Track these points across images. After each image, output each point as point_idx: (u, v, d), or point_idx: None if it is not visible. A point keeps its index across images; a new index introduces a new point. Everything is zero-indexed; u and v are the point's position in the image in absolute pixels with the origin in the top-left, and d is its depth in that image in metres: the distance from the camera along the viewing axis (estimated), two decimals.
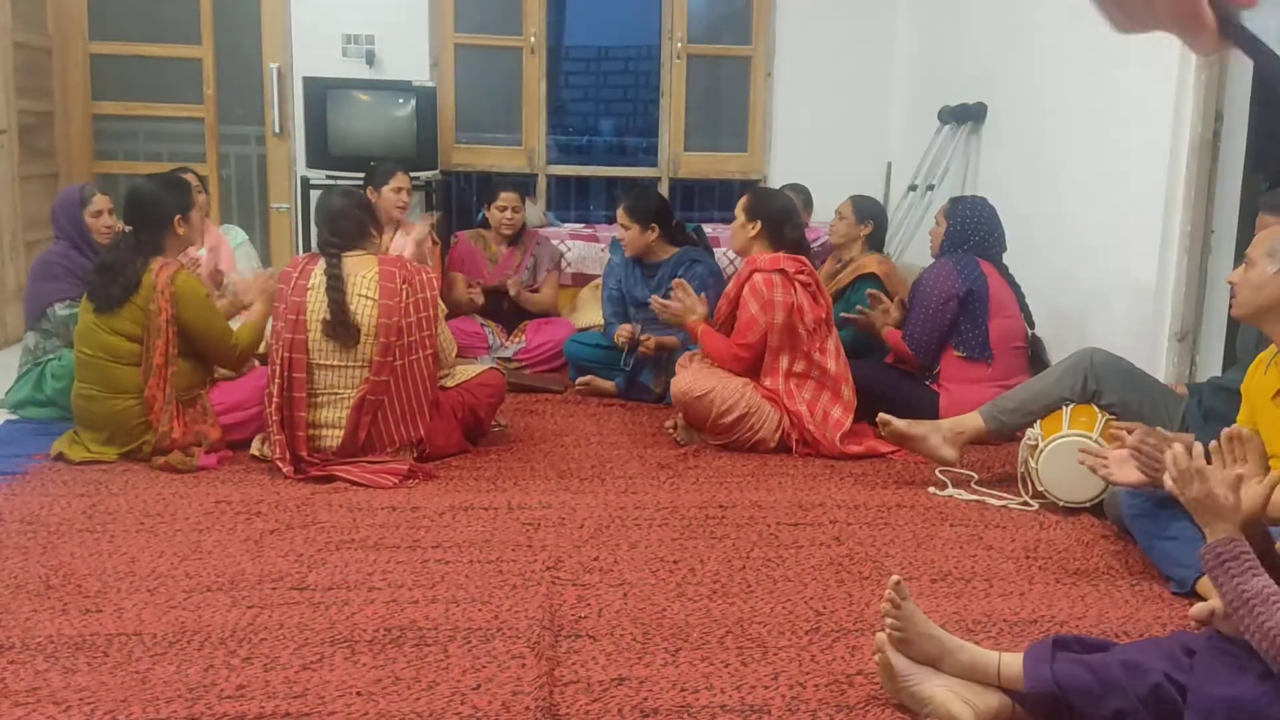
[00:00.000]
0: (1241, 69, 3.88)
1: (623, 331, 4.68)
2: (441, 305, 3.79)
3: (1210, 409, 3.20)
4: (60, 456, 3.69)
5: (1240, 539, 1.95)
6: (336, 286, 3.58)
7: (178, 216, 3.75)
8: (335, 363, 3.61)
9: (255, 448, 3.76)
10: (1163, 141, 3.97)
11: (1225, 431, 2.07)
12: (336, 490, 3.46)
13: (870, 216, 4.84)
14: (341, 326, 3.57)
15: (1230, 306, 2.87)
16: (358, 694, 2.18)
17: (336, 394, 3.62)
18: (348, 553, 2.94)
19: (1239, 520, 1.98)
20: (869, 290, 4.51)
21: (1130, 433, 2.81)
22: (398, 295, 3.61)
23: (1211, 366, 3.97)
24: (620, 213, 4.69)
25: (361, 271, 3.64)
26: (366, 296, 3.61)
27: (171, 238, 3.76)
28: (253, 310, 3.98)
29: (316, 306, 3.58)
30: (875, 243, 4.85)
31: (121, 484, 3.48)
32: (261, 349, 4.00)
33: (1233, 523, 1.97)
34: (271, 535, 3.06)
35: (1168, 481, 2.65)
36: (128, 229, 3.78)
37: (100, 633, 2.43)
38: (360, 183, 5.11)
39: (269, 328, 3.88)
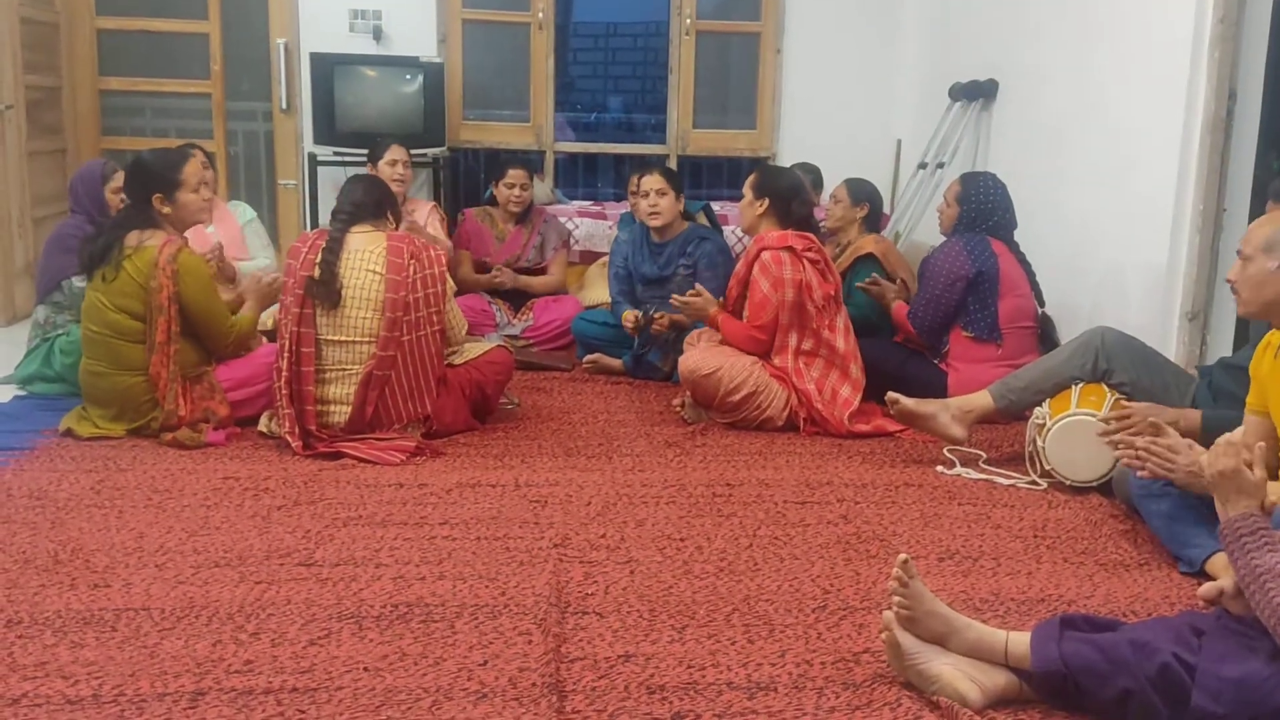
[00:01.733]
0: (1257, 45, 3.84)
1: (628, 318, 4.66)
2: (451, 283, 3.79)
3: (1221, 388, 3.18)
4: (69, 432, 3.69)
5: (1260, 515, 1.95)
6: (333, 249, 3.59)
7: (157, 195, 3.71)
8: (343, 338, 3.61)
9: (263, 424, 3.76)
10: (1175, 120, 3.93)
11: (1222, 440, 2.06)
12: (344, 467, 3.46)
13: (865, 198, 4.83)
14: (323, 286, 3.56)
15: (1236, 301, 2.74)
16: (365, 669, 2.18)
17: (345, 369, 3.62)
18: (355, 529, 2.95)
19: (1261, 496, 1.98)
20: (872, 275, 4.49)
21: (1131, 415, 2.79)
22: (405, 270, 3.61)
23: (1222, 346, 3.95)
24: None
25: (370, 247, 3.64)
26: (374, 271, 3.60)
27: (158, 214, 3.73)
28: (247, 306, 3.97)
29: None
30: (872, 224, 4.85)
31: (130, 460, 3.48)
32: (270, 324, 4.00)
33: (1257, 499, 1.97)
34: (279, 511, 3.06)
35: (1179, 478, 2.66)
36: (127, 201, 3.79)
37: (108, 607, 2.43)
38: (365, 159, 5.12)
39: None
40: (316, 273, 3.57)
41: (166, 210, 3.73)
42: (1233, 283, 2.68)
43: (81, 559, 2.69)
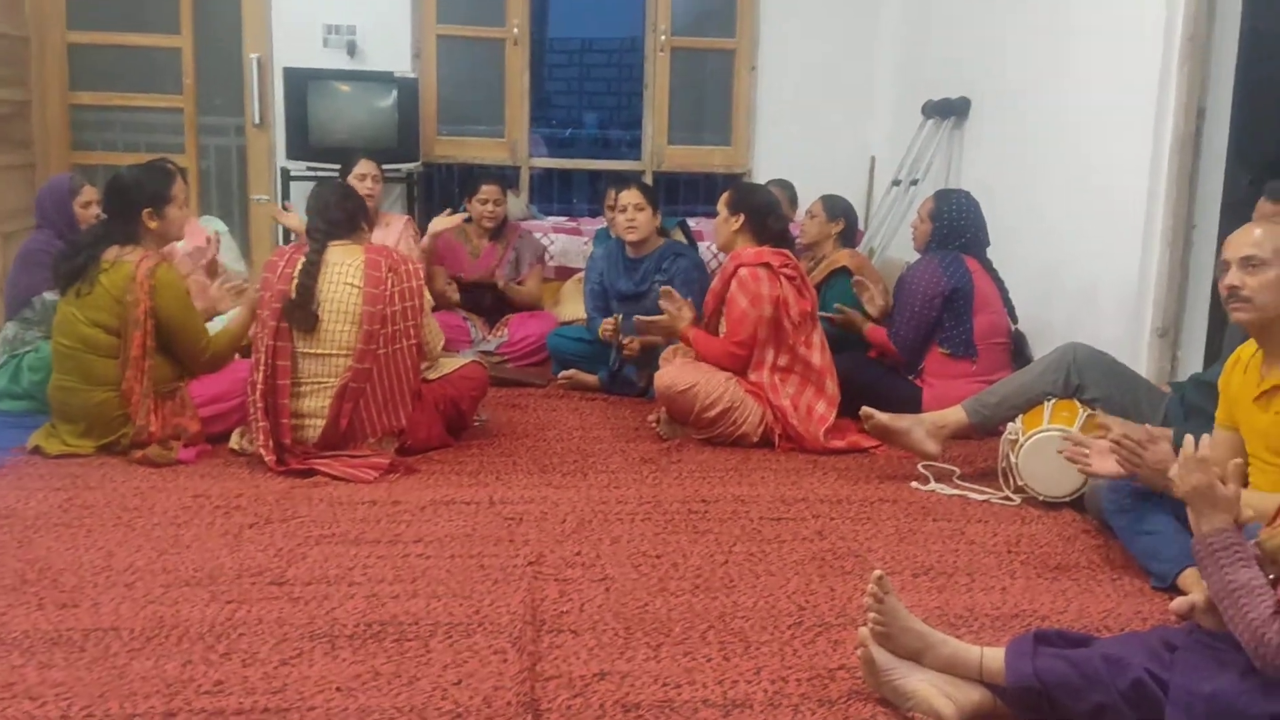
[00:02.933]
0: (1225, 64, 3.89)
1: (607, 325, 4.66)
2: (428, 296, 3.78)
3: (1192, 405, 3.20)
4: (37, 450, 3.65)
5: (1233, 530, 1.95)
6: (310, 272, 3.57)
7: (147, 210, 3.70)
8: (320, 351, 3.59)
9: (234, 441, 3.73)
10: (1145, 137, 3.97)
11: (1190, 453, 2.06)
12: (316, 484, 3.43)
13: (841, 214, 4.88)
14: (300, 310, 3.54)
15: (1235, 310, 2.61)
16: (337, 689, 2.16)
17: (321, 382, 3.59)
18: (327, 547, 2.92)
19: (1235, 510, 1.98)
20: (855, 278, 4.52)
21: (1110, 429, 2.81)
22: (383, 283, 3.60)
23: (1193, 362, 3.98)
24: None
25: (347, 260, 3.63)
26: (351, 284, 3.59)
27: (143, 229, 3.71)
28: (235, 319, 3.94)
29: None
30: (847, 240, 4.90)
31: (99, 477, 3.45)
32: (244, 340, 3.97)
33: (1230, 513, 1.97)
34: (250, 529, 3.03)
35: (1144, 472, 2.68)
36: (103, 216, 3.76)
37: (77, 627, 2.40)
38: (339, 174, 5.10)
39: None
40: (294, 292, 3.54)
41: (154, 225, 3.72)
42: (1236, 289, 2.58)
43: (49, 578, 2.66)
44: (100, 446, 3.66)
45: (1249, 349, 2.73)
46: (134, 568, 2.74)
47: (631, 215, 4.64)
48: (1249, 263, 2.56)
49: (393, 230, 5.19)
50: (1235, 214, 3.70)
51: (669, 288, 4.27)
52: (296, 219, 4.72)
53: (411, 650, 2.34)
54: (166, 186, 3.77)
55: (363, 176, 4.98)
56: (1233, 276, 2.59)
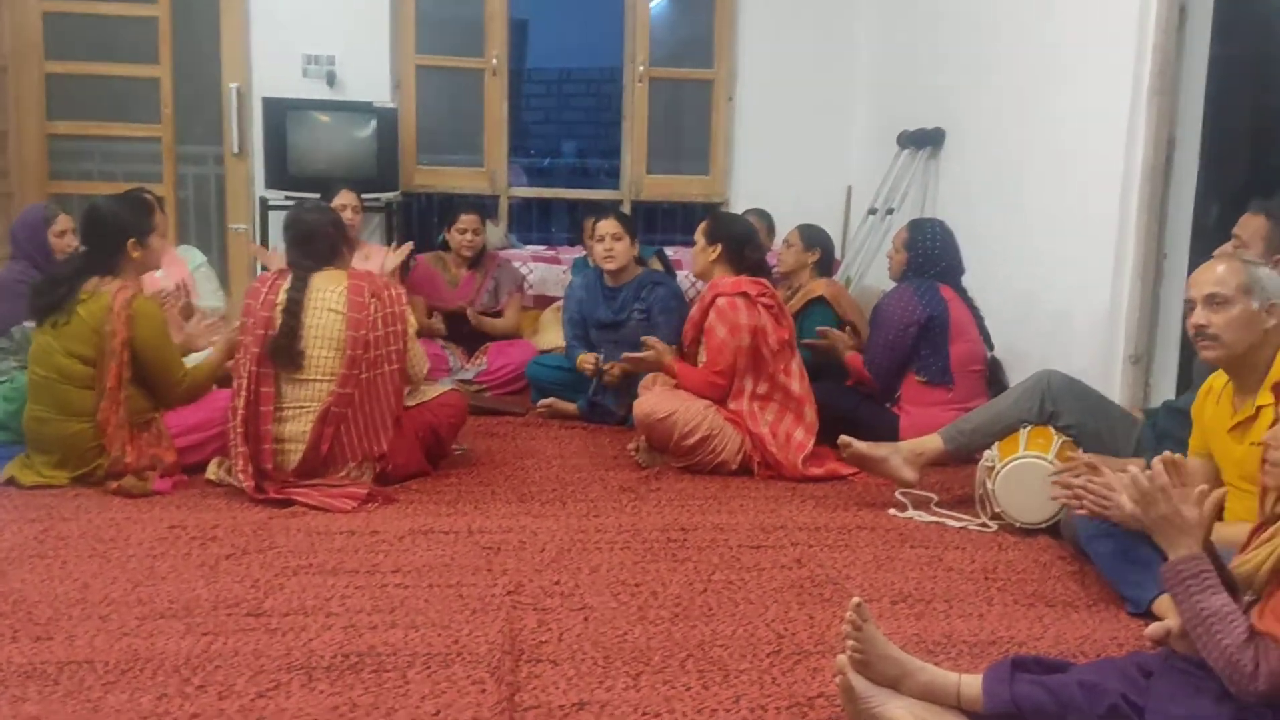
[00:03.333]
0: (1194, 95, 3.95)
1: (586, 360, 4.67)
2: (413, 321, 3.78)
3: (1165, 431, 3.24)
4: (11, 481, 3.62)
5: (1202, 557, 1.97)
6: (294, 311, 3.56)
7: (131, 240, 3.70)
8: (303, 376, 3.59)
9: (211, 471, 3.71)
10: (1116, 167, 4.03)
11: (1161, 457, 2.08)
12: (294, 514, 3.42)
13: (817, 243, 4.92)
14: (284, 352, 3.55)
15: (1203, 348, 2.63)
16: None
17: (303, 407, 3.59)
18: (305, 578, 2.91)
19: (1203, 536, 2.00)
20: (818, 328, 4.53)
21: (1081, 465, 2.82)
22: (366, 309, 3.61)
23: (1165, 389, 4.03)
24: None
25: (330, 286, 3.63)
26: (334, 310, 3.59)
27: (126, 260, 3.71)
28: (213, 354, 3.93)
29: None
30: (823, 269, 4.93)
31: (73, 509, 3.42)
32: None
33: (1197, 539, 1.99)
34: (227, 560, 3.01)
35: (1116, 515, 2.69)
36: (82, 247, 3.75)
37: (51, 660, 2.38)
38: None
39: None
40: (278, 330, 3.54)
41: (137, 255, 3.72)
42: (1203, 327, 2.60)
43: (23, 610, 2.63)
44: (75, 477, 3.63)
45: (1221, 379, 2.77)
46: (109, 600, 2.72)
47: (609, 245, 4.66)
48: (1213, 300, 2.60)
49: (373, 261, 5.18)
50: (1206, 242, 3.75)
51: (652, 338, 4.27)
52: (278, 259, 4.72)
53: (389, 681, 2.32)
54: (148, 216, 3.80)
55: (343, 207, 4.99)
56: (1199, 315, 2.62)
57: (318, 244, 3.69)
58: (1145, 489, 2.03)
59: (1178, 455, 2.09)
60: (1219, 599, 1.91)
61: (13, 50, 5.96)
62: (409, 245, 5.04)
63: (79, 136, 6.28)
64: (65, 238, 4.31)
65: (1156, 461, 2.06)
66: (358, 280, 3.66)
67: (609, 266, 4.71)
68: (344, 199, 5.04)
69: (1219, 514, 2.08)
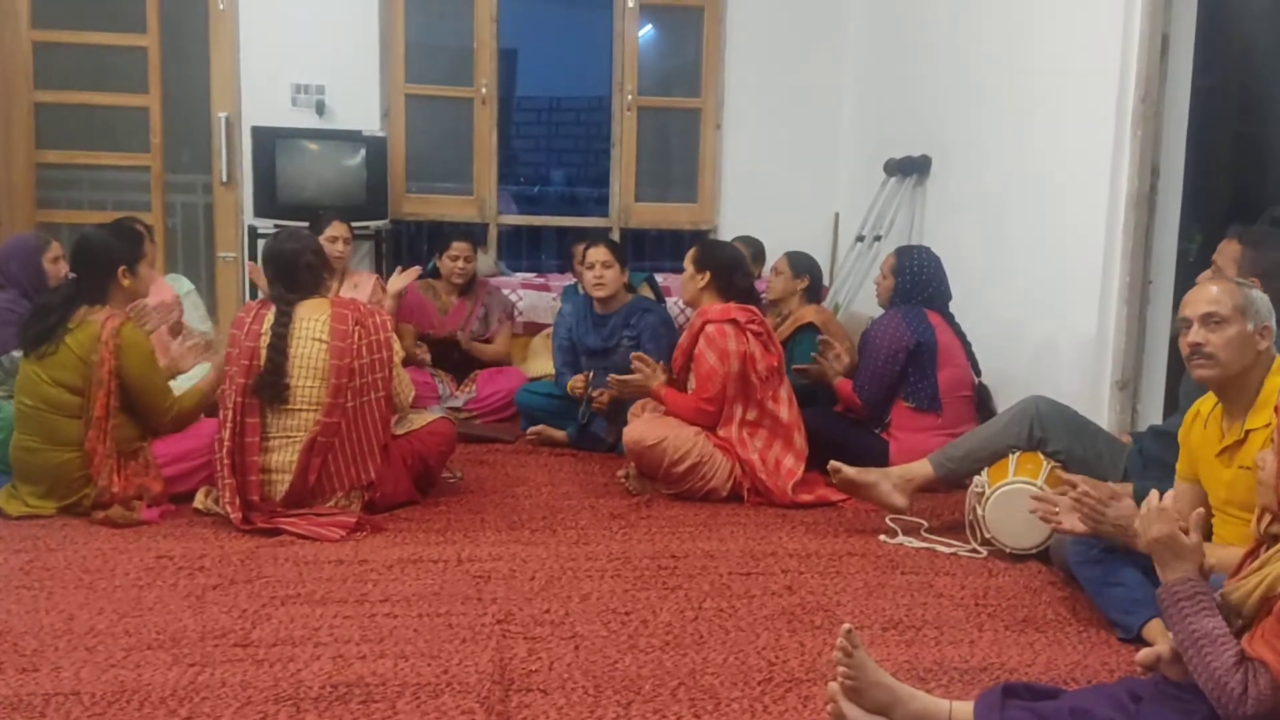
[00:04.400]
0: (1177, 124, 3.99)
1: (577, 381, 4.67)
2: (399, 348, 3.78)
3: (1152, 455, 3.25)
4: None
5: (1198, 579, 1.98)
6: (279, 347, 3.56)
7: (122, 268, 3.71)
8: (288, 406, 3.58)
9: (199, 501, 3.69)
10: (1101, 195, 4.06)
11: (1150, 501, 2.09)
12: (282, 544, 3.40)
13: (806, 270, 4.93)
14: (270, 386, 3.55)
15: (1198, 368, 2.64)
16: None
17: (290, 437, 3.58)
18: (293, 607, 2.89)
19: (1199, 560, 2.01)
20: (820, 337, 4.56)
21: (1075, 486, 2.83)
22: (350, 337, 3.60)
23: (1152, 414, 4.04)
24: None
25: (314, 315, 3.63)
26: (318, 339, 3.59)
27: (116, 288, 3.71)
28: (204, 380, 3.92)
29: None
30: (812, 295, 4.95)
31: (60, 539, 3.40)
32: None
33: (1194, 563, 2.00)
34: (214, 590, 2.99)
35: (1106, 527, 2.70)
36: (72, 275, 3.75)
37: (37, 692, 2.36)
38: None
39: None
40: (263, 364, 3.54)
41: (127, 283, 3.73)
42: (1199, 346, 2.61)
43: (9, 642, 2.61)
44: (62, 507, 3.61)
45: (1208, 403, 2.78)
46: (95, 630, 2.70)
47: (599, 273, 4.67)
48: (1210, 319, 2.61)
49: (362, 290, 5.19)
50: (1190, 269, 3.78)
51: (641, 354, 4.28)
52: None
53: (378, 712, 2.31)
54: (138, 245, 3.84)
55: (334, 239, 5.01)
56: (1195, 334, 2.62)
57: (299, 274, 3.68)
58: (1149, 508, 2.04)
59: (1166, 505, 2.09)
60: (1211, 621, 1.92)
61: (2, 80, 5.97)
62: (416, 269, 5.06)
63: (68, 165, 6.28)
64: (59, 264, 4.32)
65: (1154, 492, 2.07)
66: (341, 309, 3.66)
67: (599, 294, 4.72)
68: (335, 230, 5.05)
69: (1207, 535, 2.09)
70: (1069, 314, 4.26)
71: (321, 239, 4.93)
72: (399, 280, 4.89)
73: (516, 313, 5.87)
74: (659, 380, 4.21)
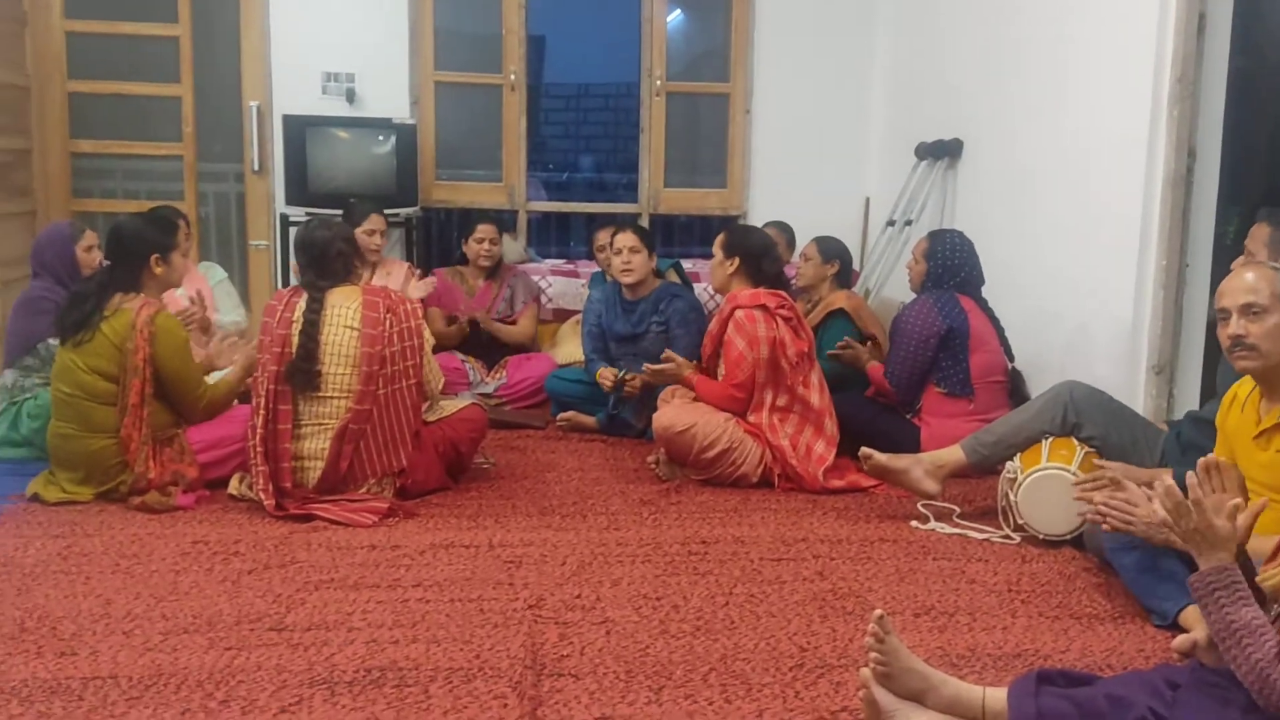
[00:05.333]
0: (1214, 104, 3.93)
1: (606, 375, 4.67)
2: (429, 335, 3.79)
3: (1189, 441, 3.21)
4: (35, 497, 3.65)
5: (1233, 568, 1.95)
6: (310, 333, 3.58)
7: (154, 255, 3.74)
8: (320, 393, 3.60)
9: (233, 487, 3.73)
10: (1137, 177, 4.01)
11: (1202, 461, 2.07)
12: (315, 529, 3.43)
13: (835, 255, 4.90)
14: (302, 373, 3.57)
15: (1240, 359, 2.60)
16: None
17: (321, 424, 3.60)
18: (327, 592, 2.91)
19: (1235, 548, 1.98)
20: (843, 339, 4.52)
21: (1109, 476, 2.80)
22: (381, 324, 3.62)
23: (1189, 399, 3.99)
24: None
25: (346, 303, 3.65)
26: (350, 327, 3.61)
27: (149, 276, 3.75)
28: (233, 371, 3.95)
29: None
30: (842, 280, 4.92)
31: (97, 524, 3.44)
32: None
33: (1230, 551, 1.98)
34: (249, 575, 3.02)
35: (1140, 530, 2.67)
36: (106, 263, 3.79)
37: (75, 676, 2.39)
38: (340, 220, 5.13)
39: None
40: (295, 351, 3.56)
41: (160, 271, 3.76)
42: (1241, 338, 2.58)
43: (48, 626, 2.65)
44: (99, 493, 3.66)
45: (1246, 386, 2.74)
46: (132, 615, 2.73)
47: (627, 258, 4.67)
48: (1250, 310, 2.57)
49: (395, 278, 5.22)
50: (1227, 252, 3.73)
51: (671, 352, 4.28)
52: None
53: (411, 696, 2.32)
54: (173, 233, 3.85)
55: (371, 232, 5.07)
56: (1235, 326, 2.59)
57: (331, 262, 3.70)
58: (1177, 501, 2.02)
59: (1220, 459, 2.07)
60: (1249, 611, 1.89)
61: (36, 70, 6.02)
62: (433, 280, 5.09)
63: (102, 155, 6.33)
64: (93, 253, 4.37)
65: (1190, 475, 2.04)
66: (373, 296, 3.67)
67: (627, 280, 4.71)
68: (372, 223, 5.10)
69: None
70: (1104, 298, 4.22)
71: (360, 231, 4.97)
72: (416, 289, 4.95)
73: (545, 299, 5.88)
74: (689, 370, 4.20)
